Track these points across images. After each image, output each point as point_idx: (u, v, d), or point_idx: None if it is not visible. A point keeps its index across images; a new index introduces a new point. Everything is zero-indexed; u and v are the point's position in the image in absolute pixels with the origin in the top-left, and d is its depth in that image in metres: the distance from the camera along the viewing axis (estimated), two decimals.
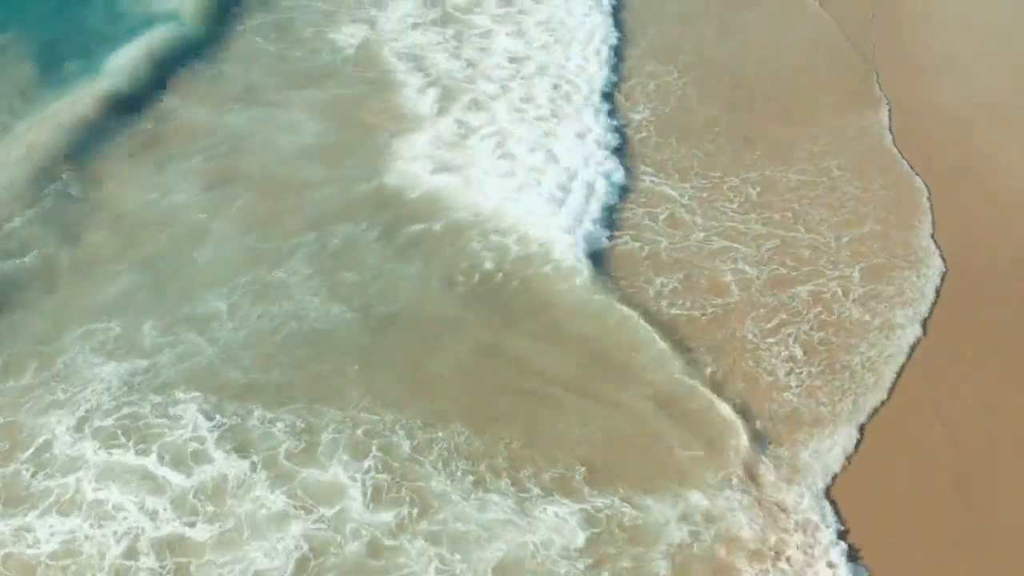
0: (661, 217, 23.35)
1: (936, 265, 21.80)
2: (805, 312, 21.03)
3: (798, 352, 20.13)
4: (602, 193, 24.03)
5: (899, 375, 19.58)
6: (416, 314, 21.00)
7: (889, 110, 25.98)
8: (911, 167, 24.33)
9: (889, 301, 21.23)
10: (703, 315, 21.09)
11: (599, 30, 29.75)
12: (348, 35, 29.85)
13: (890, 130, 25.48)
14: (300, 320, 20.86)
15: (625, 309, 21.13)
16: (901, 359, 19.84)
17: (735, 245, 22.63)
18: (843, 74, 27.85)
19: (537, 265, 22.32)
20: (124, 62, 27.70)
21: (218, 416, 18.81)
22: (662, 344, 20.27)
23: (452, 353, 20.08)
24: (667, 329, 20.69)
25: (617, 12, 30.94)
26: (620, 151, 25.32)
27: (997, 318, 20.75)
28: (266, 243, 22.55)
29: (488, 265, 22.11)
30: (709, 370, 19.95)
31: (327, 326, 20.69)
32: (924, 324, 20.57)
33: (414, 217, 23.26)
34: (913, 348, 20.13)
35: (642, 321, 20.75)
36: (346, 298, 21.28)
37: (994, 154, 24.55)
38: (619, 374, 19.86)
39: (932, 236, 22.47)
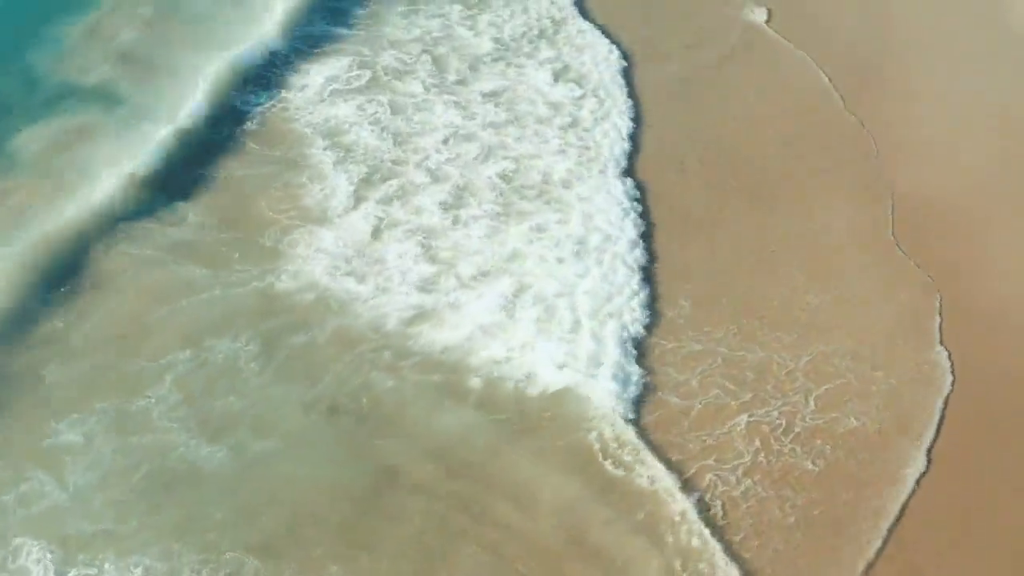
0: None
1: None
2: None
3: None
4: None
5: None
6: (295, 449, 19.16)
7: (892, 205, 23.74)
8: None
9: None
10: None
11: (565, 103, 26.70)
12: (254, 103, 26.66)
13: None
14: (163, 456, 19.04)
15: None
16: None
17: None
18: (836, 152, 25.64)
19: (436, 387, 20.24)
20: None
21: (67, 570, 17.43)
22: None
23: (336, 494, 18.44)
24: None
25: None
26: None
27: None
28: (130, 361, 20.50)
29: (388, 385, 20.11)
30: None
31: (193, 465, 18.90)
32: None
33: (304, 329, 21.07)
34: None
35: None
36: (217, 431, 19.39)
37: (997, 250, 22.60)
38: None
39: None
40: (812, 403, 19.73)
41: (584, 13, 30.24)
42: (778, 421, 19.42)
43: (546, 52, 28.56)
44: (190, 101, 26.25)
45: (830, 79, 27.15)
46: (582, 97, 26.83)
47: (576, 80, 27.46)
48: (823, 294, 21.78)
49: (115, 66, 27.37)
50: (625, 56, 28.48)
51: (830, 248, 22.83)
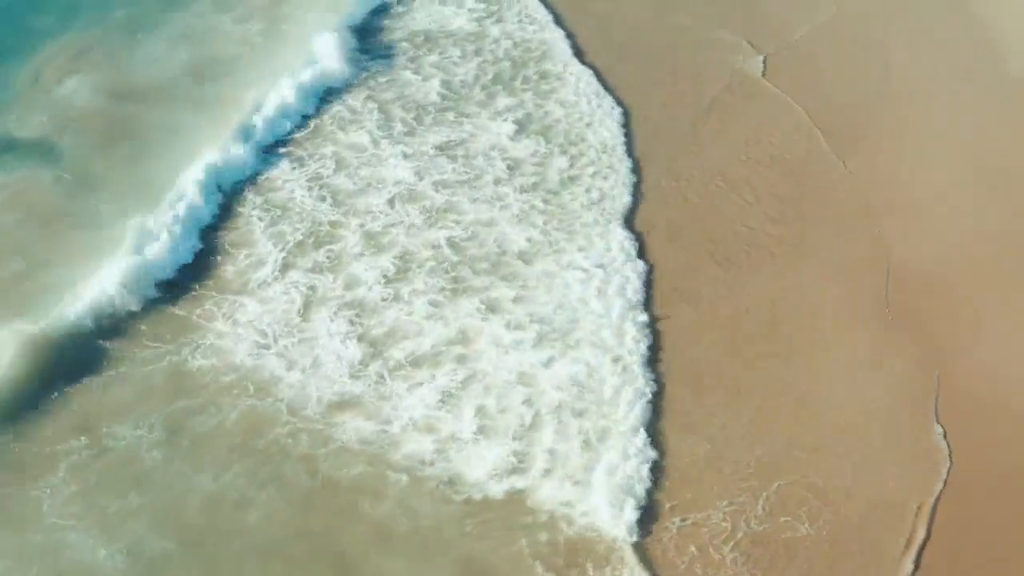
0: None
1: None
2: None
3: None
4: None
5: None
6: (197, 549, 17.85)
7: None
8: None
9: None
10: None
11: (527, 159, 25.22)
12: None
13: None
14: (56, 557, 17.63)
15: None
16: None
17: None
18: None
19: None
20: None
21: None
22: None
23: None
24: None
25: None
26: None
27: None
28: (21, 448, 19.18)
29: (300, 479, 18.63)
30: None
31: (89, 568, 17.48)
32: None
33: (215, 413, 19.69)
34: None
35: None
36: (114, 527, 18.00)
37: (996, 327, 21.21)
38: None
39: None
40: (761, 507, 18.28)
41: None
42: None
43: (504, 100, 27.06)
44: None
45: (823, 132, 25.87)
46: (549, 154, 25.17)
47: (542, 132, 25.86)
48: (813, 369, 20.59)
49: None
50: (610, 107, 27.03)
51: (821, 318, 21.51)
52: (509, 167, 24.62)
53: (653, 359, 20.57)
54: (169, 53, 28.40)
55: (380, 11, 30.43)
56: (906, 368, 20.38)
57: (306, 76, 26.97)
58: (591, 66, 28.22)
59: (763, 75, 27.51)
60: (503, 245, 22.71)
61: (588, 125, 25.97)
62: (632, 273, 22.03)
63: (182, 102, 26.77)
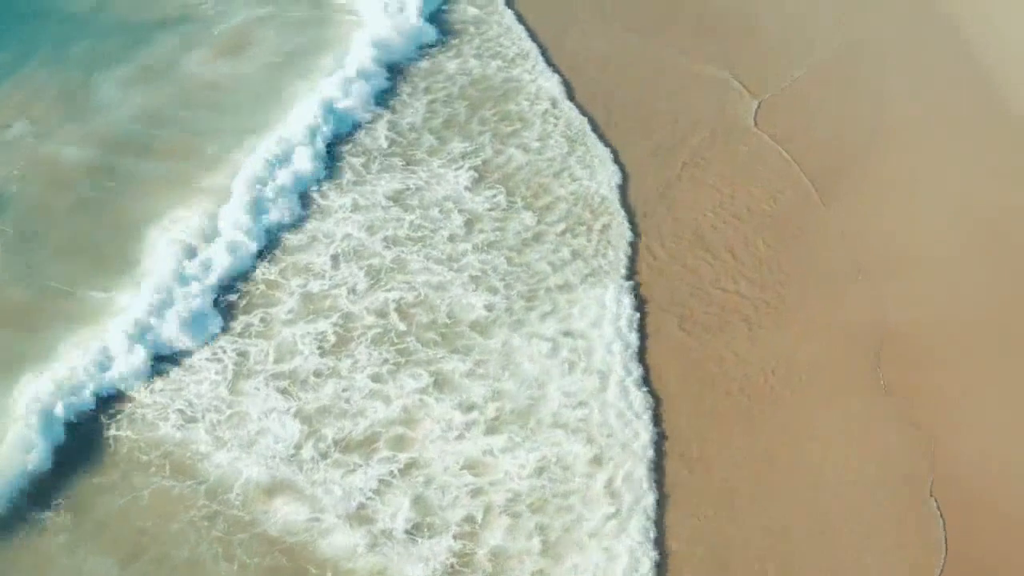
0: None
1: None
2: None
3: None
4: None
5: None
6: None
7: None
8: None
9: None
10: None
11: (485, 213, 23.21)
12: None
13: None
14: None
15: None
16: None
17: None
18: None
19: None
20: None
21: None
22: None
23: None
24: None
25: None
26: None
27: None
28: None
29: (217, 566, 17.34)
30: None
31: None
32: None
33: (128, 490, 18.43)
34: None
35: None
36: None
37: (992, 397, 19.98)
38: None
39: None
40: None
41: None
42: None
43: (460, 145, 25.41)
44: None
45: (813, 183, 24.41)
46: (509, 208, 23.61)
47: (501, 181, 24.33)
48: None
49: None
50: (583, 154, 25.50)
51: (809, 388, 20.16)
52: (467, 221, 23.14)
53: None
54: (127, 96, 26.54)
55: None
56: (900, 441, 19.19)
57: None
58: (565, 108, 26.59)
59: (755, 123, 26.02)
60: (456, 313, 21.27)
61: (556, 175, 24.46)
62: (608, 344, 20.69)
63: (136, 151, 25.00)
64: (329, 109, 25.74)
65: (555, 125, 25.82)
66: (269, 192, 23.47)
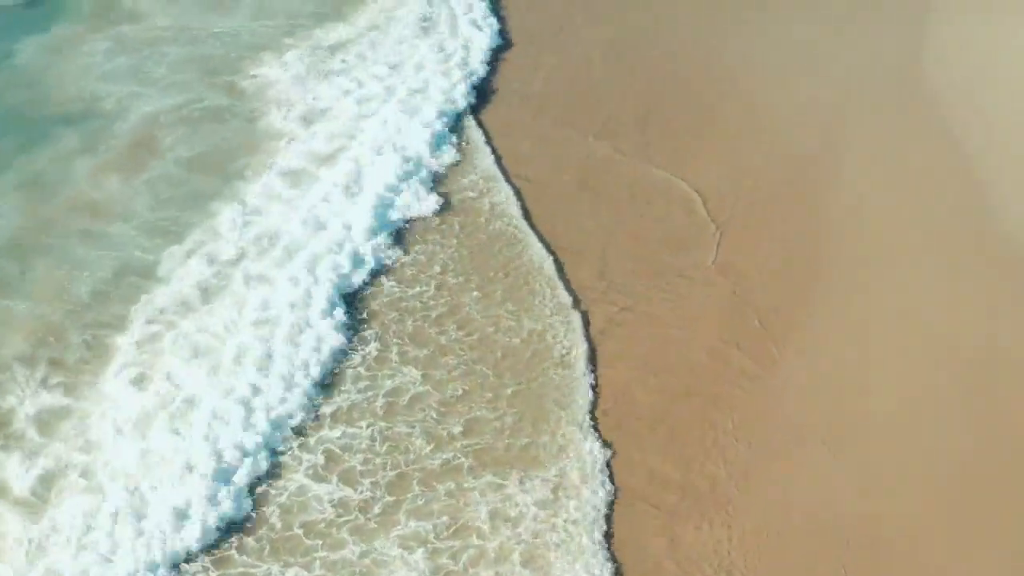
0: None
1: None
2: None
3: None
4: None
5: None
6: None
7: None
8: None
9: None
10: None
11: None
12: None
13: None
14: None
15: None
16: None
17: None
18: None
19: None
20: None
21: None
22: None
23: None
24: None
25: None
26: None
27: None
28: None
29: None
30: None
31: None
32: None
33: None
34: None
35: None
36: None
37: None
38: None
39: None
40: None
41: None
42: None
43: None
44: None
45: (761, 322, 21.32)
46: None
47: None
48: None
49: None
50: None
51: None
52: None
53: None
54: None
55: None
56: None
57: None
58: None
59: (714, 257, 23.09)
60: None
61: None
62: None
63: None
64: None
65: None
66: None
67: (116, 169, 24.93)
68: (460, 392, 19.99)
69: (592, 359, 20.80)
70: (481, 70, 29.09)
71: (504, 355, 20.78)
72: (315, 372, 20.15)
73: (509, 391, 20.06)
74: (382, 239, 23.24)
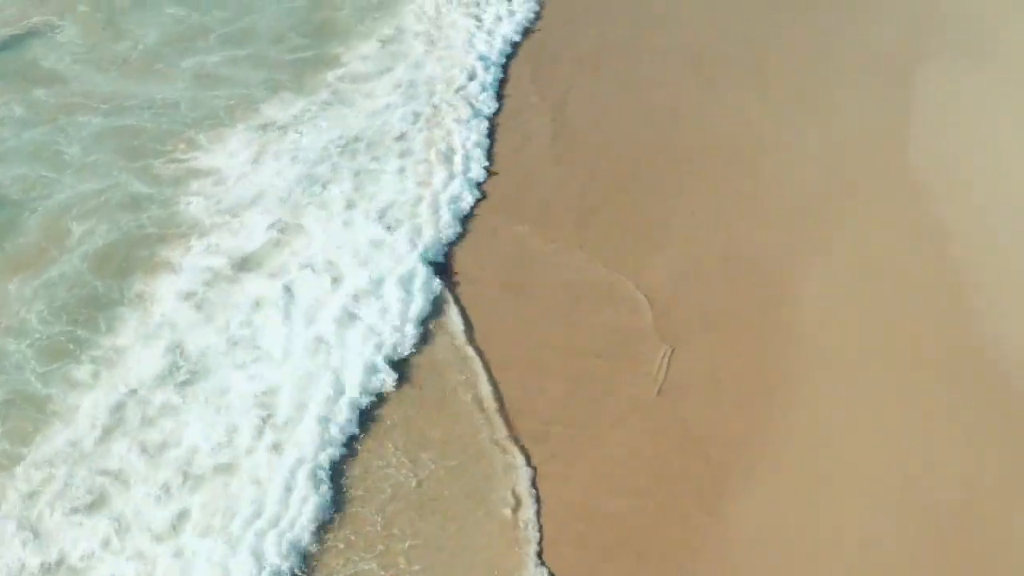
0: None
1: None
2: None
3: None
4: None
5: None
6: None
7: None
8: None
9: None
10: None
11: None
12: None
13: None
14: None
15: None
16: None
17: None
18: None
19: None
20: None
21: None
22: None
23: None
24: None
25: None
26: None
27: None
28: None
29: None
30: None
31: None
32: None
33: None
34: None
35: None
36: None
37: None
38: None
39: None
40: None
41: None
42: None
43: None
44: None
45: (710, 461, 19.36)
46: None
47: None
48: None
49: None
50: None
51: None
52: None
53: None
54: None
55: None
56: None
57: None
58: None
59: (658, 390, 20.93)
60: None
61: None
62: None
63: None
64: None
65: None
66: None
67: (13, 270, 22.91)
68: None
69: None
70: None
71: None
72: None
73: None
74: None
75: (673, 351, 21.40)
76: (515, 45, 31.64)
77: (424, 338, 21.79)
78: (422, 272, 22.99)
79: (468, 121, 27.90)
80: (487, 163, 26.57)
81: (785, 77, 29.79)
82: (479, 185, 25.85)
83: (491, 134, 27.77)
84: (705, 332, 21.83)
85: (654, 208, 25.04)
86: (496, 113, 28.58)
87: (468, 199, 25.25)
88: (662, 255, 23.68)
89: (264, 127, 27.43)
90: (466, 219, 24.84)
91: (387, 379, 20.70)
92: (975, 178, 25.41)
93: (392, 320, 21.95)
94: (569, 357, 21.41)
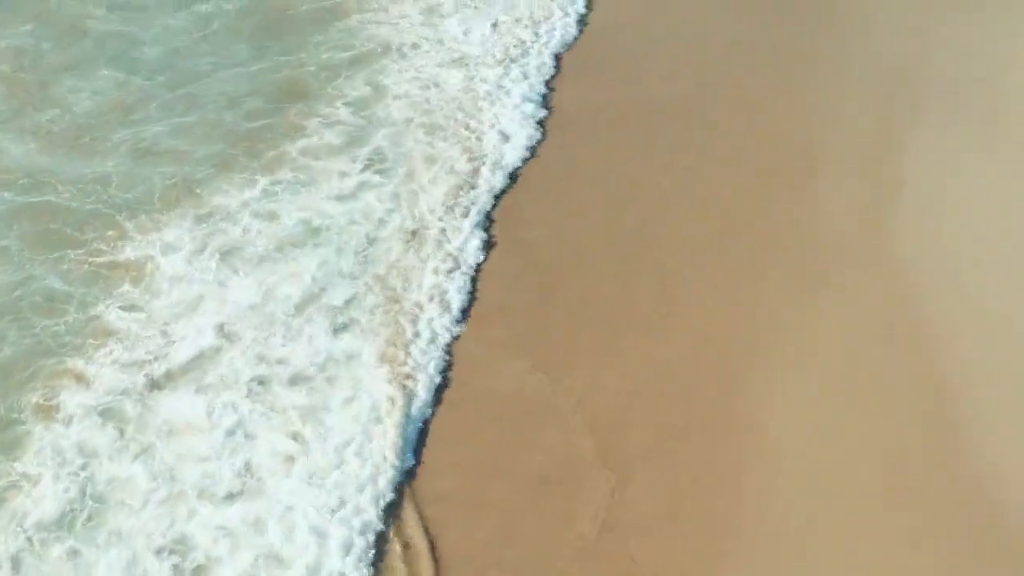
0: None
1: None
2: None
3: None
4: None
5: None
6: None
7: None
8: None
9: None
10: None
11: None
12: None
13: None
14: None
15: None
16: None
17: None
18: None
19: None
20: None
21: None
22: None
23: None
24: None
25: None
26: None
27: None
28: None
29: None
30: None
31: None
32: None
33: None
34: None
35: None
36: None
37: None
38: None
39: None
40: None
41: None
42: None
43: None
44: None
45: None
46: None
47: None
48: None
49: None
50: None
51: None
52: None
53: None
54: None
55: None
56: None
57: None
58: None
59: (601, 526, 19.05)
60: None
61: None
62: None
63: None
64: None
65: None
66: None
67: None
68: None
69: None
70: None
71: None
72: None
73: None
74: None
75: (617, 479, 19.56)
76: None
77: None
78: None
79: None
80: None
81: (762, 160, 27.61)
82: None
83: None
84: (659, 456, 20.01)
85: (600, 313, 22.96)
86: None
87: None
88: (607, 367, 21.75)
89: (208, 215, 24.98)
90: None
91: None
92: (962, 266, 23.59)
93: None
94: (511, 482, 19.71)
